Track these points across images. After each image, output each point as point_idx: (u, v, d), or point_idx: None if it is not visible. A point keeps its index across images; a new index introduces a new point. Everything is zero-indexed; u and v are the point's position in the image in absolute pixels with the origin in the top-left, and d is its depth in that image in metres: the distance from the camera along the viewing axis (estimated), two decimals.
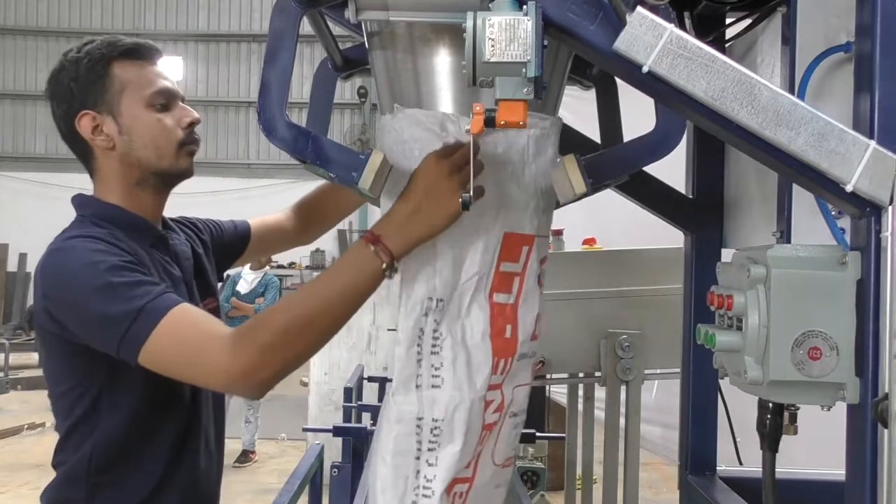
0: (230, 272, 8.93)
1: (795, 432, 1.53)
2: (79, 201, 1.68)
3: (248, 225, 2.05)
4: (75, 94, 1.62)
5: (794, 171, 1.26)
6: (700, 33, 1.81)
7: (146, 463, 1.62)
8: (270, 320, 1.43)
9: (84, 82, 1.61)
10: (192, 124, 1.66)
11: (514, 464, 1.82)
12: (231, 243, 2.00)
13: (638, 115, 1.87)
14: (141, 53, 1.65)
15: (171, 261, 1.69)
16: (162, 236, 1.70)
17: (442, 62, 1.54)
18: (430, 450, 1.53)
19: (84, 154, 1.66)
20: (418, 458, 1.53)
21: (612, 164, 1.63)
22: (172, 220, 1.85)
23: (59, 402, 1.62)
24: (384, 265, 1.41)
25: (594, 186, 1.55)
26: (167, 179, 1.68)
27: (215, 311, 1.80)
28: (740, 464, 2.41)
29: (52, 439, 1.69)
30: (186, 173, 1.68)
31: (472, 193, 1.40)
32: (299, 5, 1.52)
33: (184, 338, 1.44)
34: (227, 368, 1.40)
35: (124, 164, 1.63)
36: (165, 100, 1.64)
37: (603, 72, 1.92)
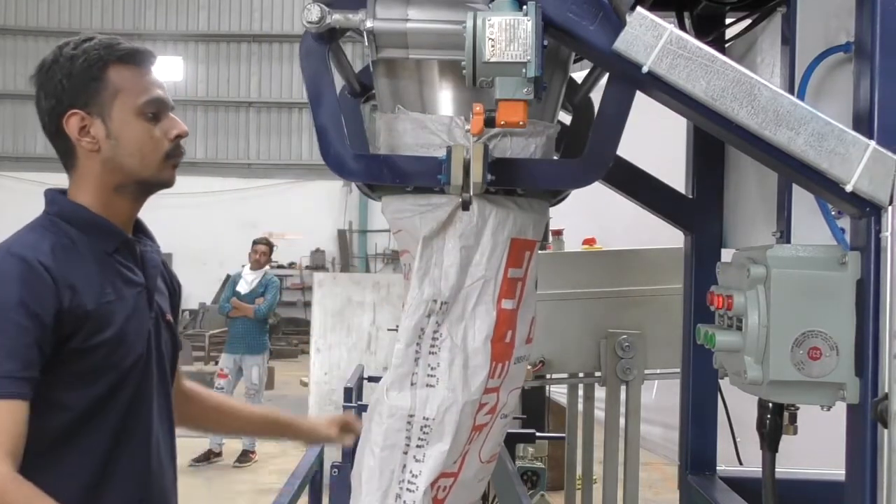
0: (230, 272, 8.80)
1: (795, 432, 1.53)
2: (49, 197, 1.66)
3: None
4: (66, 92, 1.60)
5: (794, 171, 1.26)
6: (700, 33, 1.82)
7: (86, 451, 1.58)
8: None
9: (77, 82, 1.60)
10: (179, 136, 1.65)
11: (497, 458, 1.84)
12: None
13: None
14: (137, 59, 1.64)
15: (136, 266, 1.66)
16: (128, 241, 1.67)
17: (442, 64, 1.54)
18: (418, 446, 1.55)
19: (65, 151, 1.65)
20: (406, 454, 1.55)
21: (524, 175, 1.52)
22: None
23: None
24: None
25: (505, 190, 1.50)
26: (147, 188, 1.67)
27: (168, 325, 1.74)
28: (740, 464, 2.41)
29: None
30: (167, 184, 1.67)
31: (471, 193, 1.39)
32: (322, 44, 1.53)
33: None
34: None
35: (106, 168, 1.63)
36: (156, 109, 1.63)
37: (583, 101, 1.89)
